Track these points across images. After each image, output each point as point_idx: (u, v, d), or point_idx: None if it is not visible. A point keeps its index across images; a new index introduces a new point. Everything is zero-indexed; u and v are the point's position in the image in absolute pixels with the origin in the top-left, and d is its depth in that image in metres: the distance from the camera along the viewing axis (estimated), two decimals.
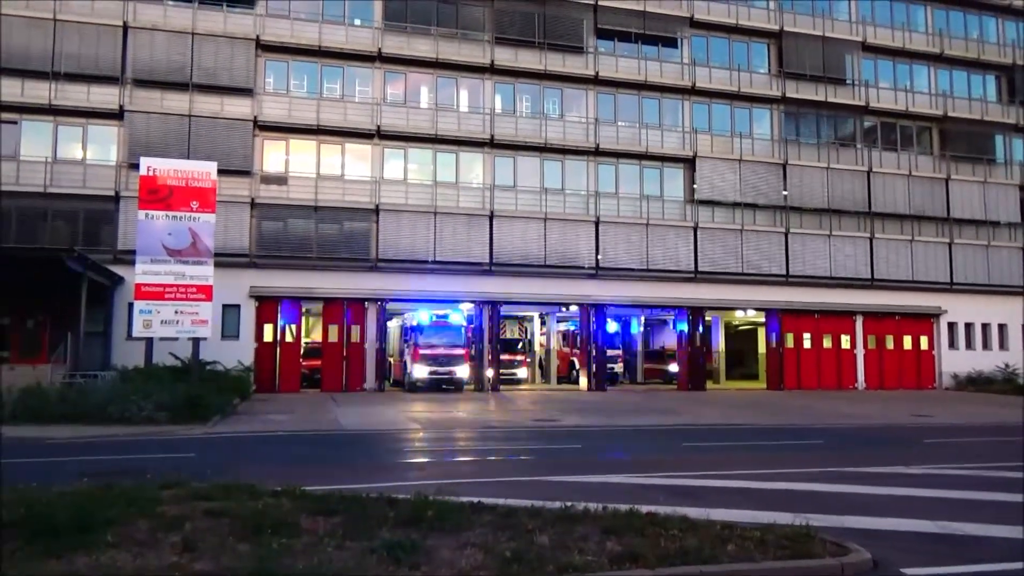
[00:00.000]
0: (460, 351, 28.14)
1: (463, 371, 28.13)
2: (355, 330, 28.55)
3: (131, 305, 21.15)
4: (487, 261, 29.36)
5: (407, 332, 29.26)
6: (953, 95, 36.30)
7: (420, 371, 27.57)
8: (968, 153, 35.92)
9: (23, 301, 23.44)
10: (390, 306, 29.93)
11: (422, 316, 28.27)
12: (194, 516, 6.97)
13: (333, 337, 32.72)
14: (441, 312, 28.69)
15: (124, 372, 20.80)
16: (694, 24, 32.94)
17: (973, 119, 36.14)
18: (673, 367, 33.71)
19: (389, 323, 32.37)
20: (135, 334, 20.66)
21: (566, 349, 35.01)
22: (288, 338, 33.82)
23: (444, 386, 27.89)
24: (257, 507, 7.19)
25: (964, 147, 35.93)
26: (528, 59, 30.81)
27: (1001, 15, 37.62)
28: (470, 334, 29.49)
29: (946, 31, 36.53)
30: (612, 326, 34.19)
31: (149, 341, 20.65)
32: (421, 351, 27.60)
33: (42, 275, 21.16)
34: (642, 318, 37.85)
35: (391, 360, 31.57)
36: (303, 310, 34.97)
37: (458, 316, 28.80)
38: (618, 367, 34.60)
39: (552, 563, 5.86)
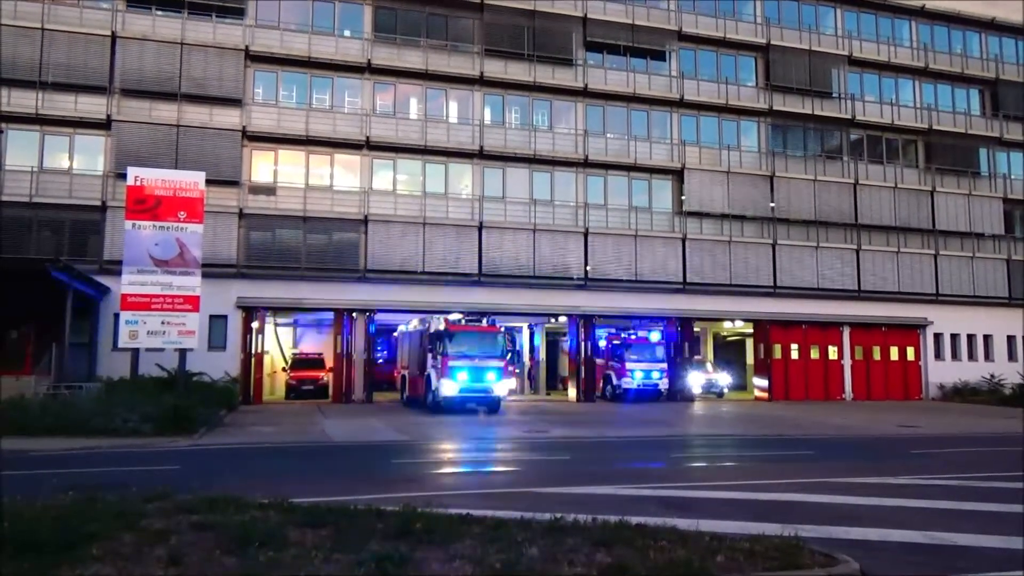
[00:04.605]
0: (498, 363, 24.28)
1: (502, 388, 24.39)
2: (343, 341, 28.39)
3: (117, 316, 21.00)
4: (476, 272, 29.36)
5: (431, 340, 24.80)
6: (938, 108, 36.74)
7: (449, 387, 23.48)
8: (953, 166, 36.33)
9: (7, 312, 23.17)
10: (381, 316, 29.80)
11: (451, 320, 24.74)
12: (180, 529, 6.89)
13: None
14: (474, 315, 25.56)
15: (109, 383, 20.62)
16: (682, 37, 33.22)
17: (957, 132, 36.59)
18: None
19: (401, 328, 29.97)
20: (121, 345, 20.50)
21: (600, 361, 31.79)
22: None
23: (479, 406, 24.23)
24: (244, 520, 7.11)
25: (949, 160, 36.33)
26: (517, 71, 30.95)
27: (984, 30, 38.15)
28: (509, 343, 26.10)
29: (930, 45, 37.02)
30: (655, 335, 31.37)
31: (135, 352, 20.48)
32: (451, 363, 23.54)
33: (27, 285, 20.95)
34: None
35: (404, 373, 28.43)
36: (291, 321, 34.92)
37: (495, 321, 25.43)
38: (662, 382, 30.46)
39: (542, 575, 5.84)
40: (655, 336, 31.18)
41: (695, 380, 33.24)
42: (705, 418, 24.82)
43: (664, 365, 30.82)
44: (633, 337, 31.16)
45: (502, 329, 25.50)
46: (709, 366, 36.32)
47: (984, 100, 38.09)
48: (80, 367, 23.60)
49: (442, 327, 24.23)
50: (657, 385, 30.26)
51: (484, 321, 25.23)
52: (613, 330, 32.10)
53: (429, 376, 24.51)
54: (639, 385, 30.09)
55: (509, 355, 31.76)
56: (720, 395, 34.20)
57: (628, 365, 30.15)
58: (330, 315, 29.69)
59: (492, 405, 24.28)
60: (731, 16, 34.16)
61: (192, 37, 27.76)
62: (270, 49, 28.58)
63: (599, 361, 31.75)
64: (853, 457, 15.09)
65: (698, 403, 30.77)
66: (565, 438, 18.02)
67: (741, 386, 37.67)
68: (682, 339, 32.10)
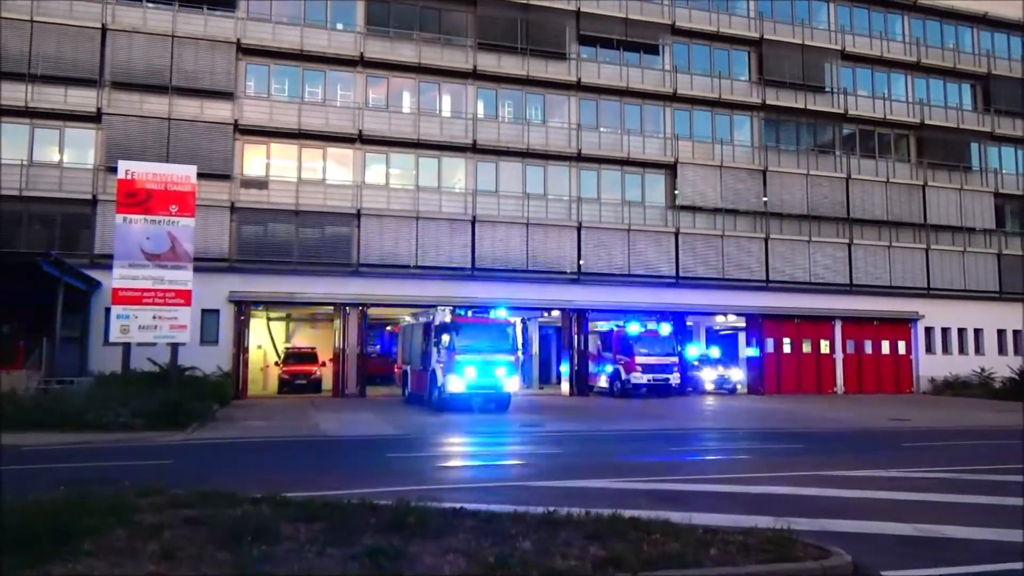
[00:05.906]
0: (508, 357, 23.00)
1: (512, 384, 23.05)
2: (336, 335, 28.33)
3: (108, 310, 20.90)
4: (469, 266, 29.33)
5: (436, 333, 23.24)
6: (930, 103, 36.85)
7: (456, 383, 22.06)
8: (944, 160, 36.46)
9: None
10: (373, 311, 29.73)
11: (458, 312, 23.34)
12: (173, 524, 6.87)
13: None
14: (482, 307, 24.28)
15: (101, 378, 20.51)
16: (675, 31, 33.21)
17: (949, 127, 36.70)
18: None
19: (404, 321, 29.35)
20: (112, 339, 20.37)
21: (608, 354, 30.73)
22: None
23: (488, 403, 22.89)
24: (237, 514, 7.10)
25: (940, 154, 36.46)
26: (511, 65, 30.87)
27: (976, 25, 38.26)
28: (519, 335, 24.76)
29: (923, 40, 37.11)
30: (665, 328, 30.08)
31: (127, 346, 20.34)
32: (457, 357, 22.18)
33: (17, 280, 20.81)
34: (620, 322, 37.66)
35: (406, 369, 27.10)
36: (284, 315, 34.84)
37: (504, 312, 24.08)
38: (673, 377, 29.17)
39: (535, 568, 5.84)
40: (665, 329, 29.98)
41: (707, 375, 32.90)
42: (696, 413, 24.84)
43: (675, 359, 29.53)
44: (643, 330, 29.94)
45: (513, 321, 24.09)
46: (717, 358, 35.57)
47: (976, 95, 38.21)
48: (71, 362, 23.46)
49: (448, 319, 23.00)
50: (668, 380, 28.85)
51: (491, 313, 24.21)
52: (621, 323, 31.08)
53: (434, 372, 23.15)
54: (649, 380, 28.70)
55: (521, 349, 30.05)
56: (732, 391, 32.63)
57: (638, 359, 28.74)
58: (323, 309, 29.64)
59: (501, 402, 23.00)
60: (724, 10, 34.16)
61: (183, 30, 27.57)
62: (262, 42, 28.41)
63: (607, 354, 30.81)
64: (845, 450, 15.16)
65: (703, 399, 30.35)
66: (559, 432, 18.04)
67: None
68: (675, 333, 32.09)
